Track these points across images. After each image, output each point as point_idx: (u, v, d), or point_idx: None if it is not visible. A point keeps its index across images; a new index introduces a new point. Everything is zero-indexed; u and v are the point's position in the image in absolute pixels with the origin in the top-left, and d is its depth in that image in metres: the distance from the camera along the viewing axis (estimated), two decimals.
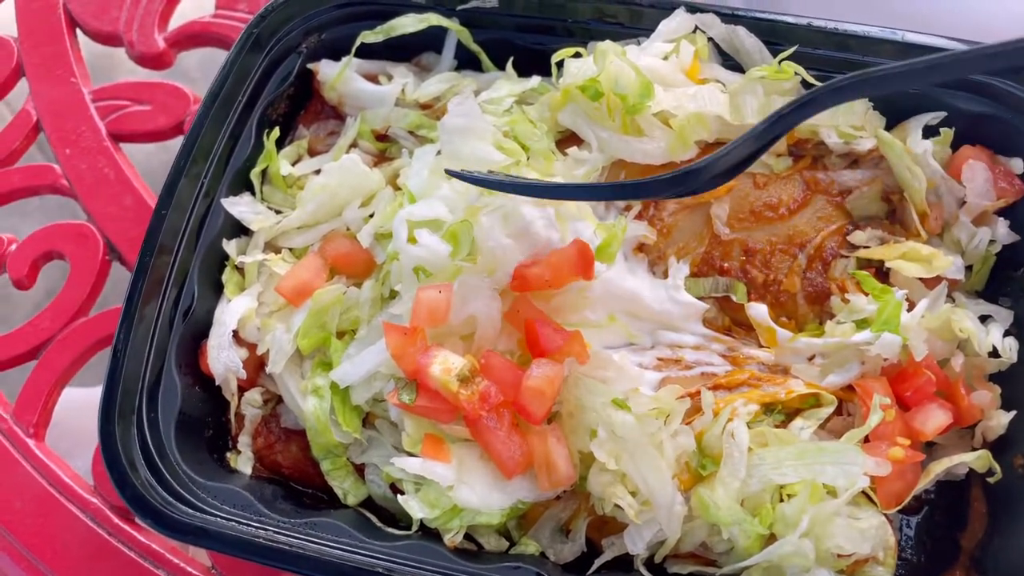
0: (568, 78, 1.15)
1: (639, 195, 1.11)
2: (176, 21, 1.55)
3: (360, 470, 1.13)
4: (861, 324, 1.13)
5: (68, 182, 1.45)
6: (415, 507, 1.02)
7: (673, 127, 1.15)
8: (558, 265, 1.06)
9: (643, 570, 1.03)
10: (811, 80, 1.17)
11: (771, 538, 1.01)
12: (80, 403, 1.61)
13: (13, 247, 1.42)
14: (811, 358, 1.12)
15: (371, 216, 1.19)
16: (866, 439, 1.06)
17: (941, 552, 1.10)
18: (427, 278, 1.08)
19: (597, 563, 1.04)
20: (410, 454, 1.04)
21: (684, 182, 0.99)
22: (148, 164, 1.50)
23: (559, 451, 1.03)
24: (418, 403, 1.03)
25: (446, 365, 1.01)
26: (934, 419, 1.08)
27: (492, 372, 1.04)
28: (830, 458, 1.01)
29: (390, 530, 1.06)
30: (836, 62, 1.18)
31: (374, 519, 1.08)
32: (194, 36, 1.53)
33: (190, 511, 1.02)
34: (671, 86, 1.15)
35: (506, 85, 1.23)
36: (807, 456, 1.01)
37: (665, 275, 1.17)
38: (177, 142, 1.49)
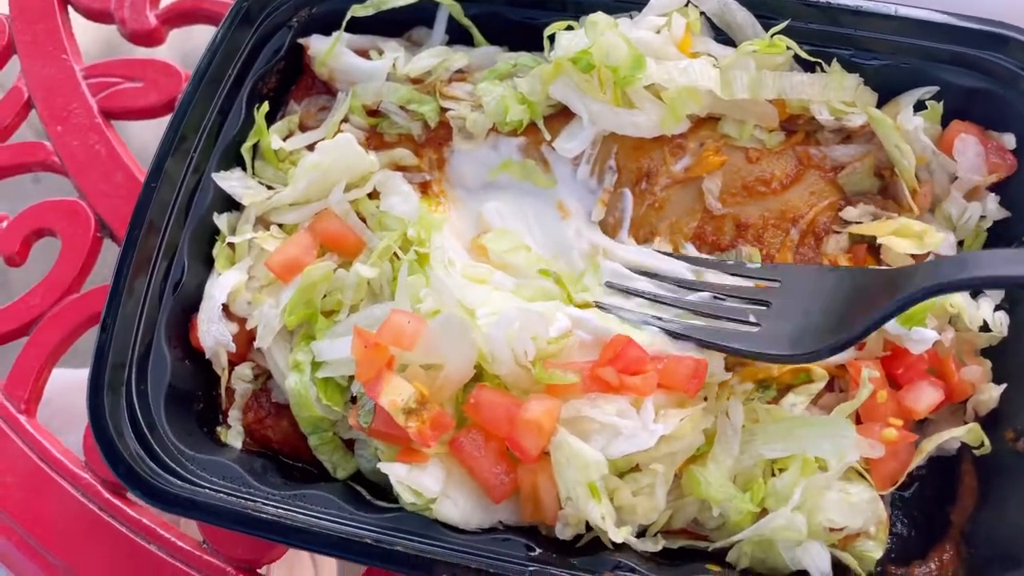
0: (560, 51, 1.14)
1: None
2: None
3: (349, 444, 1.13)
4: None
5: (59, 159, 1.44)
6: (404, 492, 1.01)
7: (664, 100, 1.15)
8: (668, 374, 1.04)
9: (633, 543, 1.03)
10: (802, 54, 1.16)
11: (762, 514, 1.01)
12: (72, 383, 1.61)
13: (4, 224, 1.42)
14: None
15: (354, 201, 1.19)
16: (859, 421, 1.06)
17: (932, 526, 1.10)
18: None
19: (587, 537, 1.04)
20: None
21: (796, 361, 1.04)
22: (141, 140, 1.49)
23: (547, 489, 1.01)
24: (375, 426, 1.01)
25: (392, 396, 0.98)
26: (926, 397, 1.08)
27: (481, 408, 1.01)
28: (820, 432, 1.00)
29: (380, 503, 1.06)
30: (828, 36, 1.18)
31: (364, 492, 1.08)
32: (185, 13, 1.52)
33: (179, 483, 1.02)
34: (663, 59, 1.15)
35: (426, 57, 1.22)
36: (797, 430, 1.01)
37: None
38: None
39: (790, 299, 1.06)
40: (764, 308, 1.08)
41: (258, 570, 1.21)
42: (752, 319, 1.07)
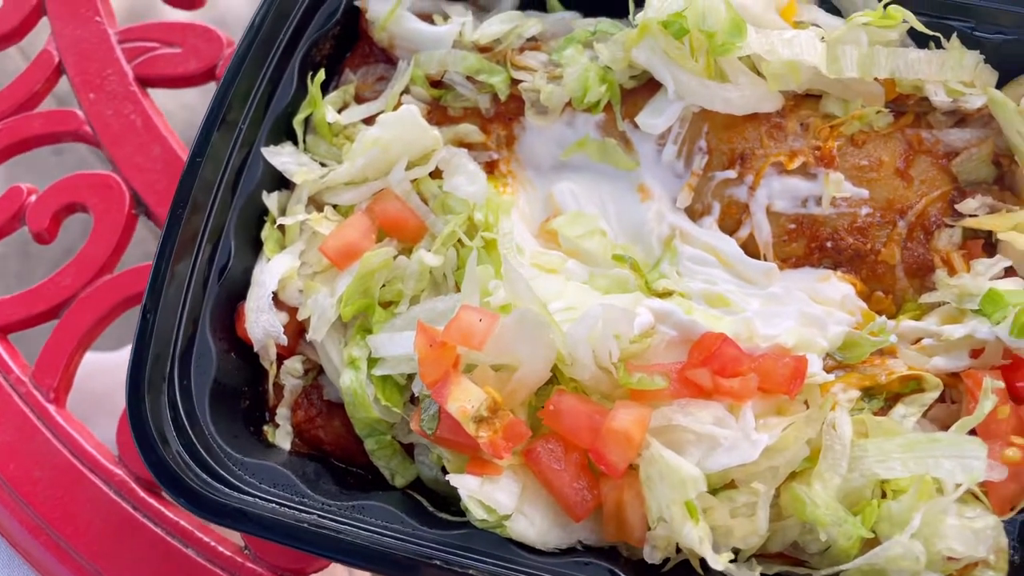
0: (650, 12, 1.02)
1: None
2: None
3: (408, 449, 1.03)
4: (962, 299, 1.02)
5: (92, 129, 1.34)
6: (474, 508, 0.91)
7: (764, 74, 1.04)
8: (765, 375, 0.94)
9: (731, 571, 0.92)
10: (920, 27, 1.05)
11: (872, 540, 0.91)
12: (99, 366, 1.51)
13: (33, 198, 1.32)
14: (915, 341, 1.01)
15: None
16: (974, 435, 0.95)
17: None
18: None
19: (674, 560, 0.94)
20: None
21: None
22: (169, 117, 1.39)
23: (634, 507, 0.91)
24: (440, 433, 0.91)
25: (461, 404, 0.89)
26: None
27: (562, 416, 0.91)
28: (945, 450, 0.90)
29: (443, 515, 0.96)
30: (948, 7, 1.06)
31: (425, 503, 0.98)
32: None
33: (227, 490, 0.93)
34: (764, 27, 1.03)
35: (497, 23, 1.12)
36: (918, 448, 0.91)
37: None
38: (207, 89, 1.39)
39: None
40: None
41: None
42: None
